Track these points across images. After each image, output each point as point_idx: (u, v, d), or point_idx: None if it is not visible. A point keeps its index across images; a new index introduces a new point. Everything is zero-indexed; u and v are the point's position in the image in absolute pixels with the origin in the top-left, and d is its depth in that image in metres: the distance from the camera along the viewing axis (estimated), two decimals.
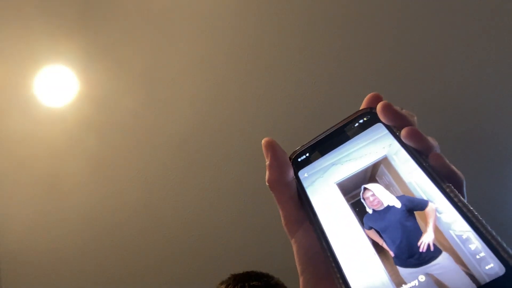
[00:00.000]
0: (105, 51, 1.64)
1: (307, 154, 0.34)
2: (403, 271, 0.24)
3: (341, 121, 0.34)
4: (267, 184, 0.34)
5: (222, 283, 1.03)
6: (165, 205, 1.98)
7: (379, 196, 0.29)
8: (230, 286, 0.99)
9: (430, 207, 0.26)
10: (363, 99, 0.35)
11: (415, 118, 0.32)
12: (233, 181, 1.94)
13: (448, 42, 1.65)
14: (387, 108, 0.31)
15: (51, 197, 1.90)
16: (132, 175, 1.90)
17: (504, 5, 1.57)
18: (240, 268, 1.10)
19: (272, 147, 0.34)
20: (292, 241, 0.33)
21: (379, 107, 0.31)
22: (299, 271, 0.32)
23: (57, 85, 1.66)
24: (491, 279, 0.21)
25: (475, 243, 0.23)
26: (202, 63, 1.69)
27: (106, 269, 2.10)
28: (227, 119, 1.81)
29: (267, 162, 0.34)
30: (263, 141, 0.34)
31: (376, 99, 0.34)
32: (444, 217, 0.24)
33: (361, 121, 0.33)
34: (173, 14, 1.60)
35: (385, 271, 0.25)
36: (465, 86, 1.74)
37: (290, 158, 0.35)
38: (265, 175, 0.34)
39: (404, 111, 0.31)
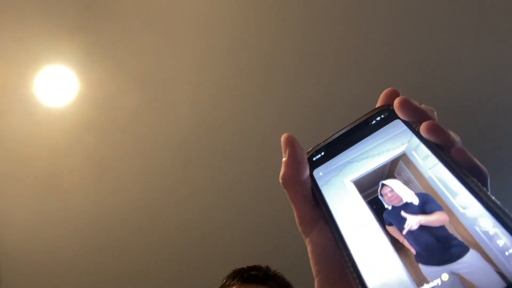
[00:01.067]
0: (105, 51, 1.64)
1: (323, 153, 0.33)
2: (425, 269, 0.23)
3: (357, 119, 0.33)
4: (280, 181, 0.32)
5: (224, 278, 1.07)
6: (165, 204, 1.98)
7: (398, 191, 0.28)
8: (230, 278, 1.03)
9: (439, 215, 0.25)
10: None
11: (435, 112, 0.30)
12: (233, 181, 1.94)
13: (450, 42, 1.65)
14: (405, 104, 0.30)
15: (51, 197, 1.90)
16: (132, 175, 1.90)
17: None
18: (240, 267, 1.11)
19: (292, 143, 0.32)
20: (307, 241, 0.32)
21: (396, 102, 0.30)
22: (314, 272, 0.31)
23: (57, 85, 1.66)
24: None
25: (503, 239, 0.21)
26: (202, 63, 1.69)
27: (106, 269, 2.09)
28: (227, 119, 1.81)
29: (284, 159, 0.32)
30: (282, 137, 0.33)
31: (393, 94, 0.32)
32: (468, 213, 0.23)
33: (378, 118, 0.32)
34: (173, 14, 1.60)
35: (405, 269, 0.24)
36: (467, 86, 1.74)
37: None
38: (279, 172, 0.33)
39: (423, 106, 0.30)
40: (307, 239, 0.32)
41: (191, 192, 1.96)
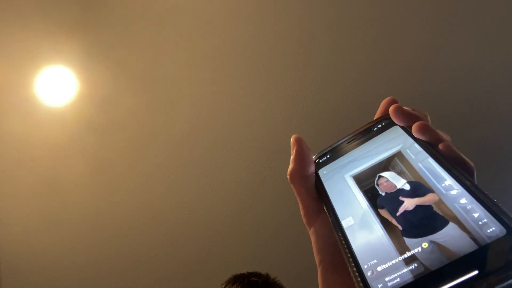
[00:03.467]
0: (105, 51, 1.64)
1: (328, 156, 0.38)
2: (409, 241, 0.27)
3: (361, 127, 0.38)
4: (288, 176, 0.36)
5: (223, 283, 1.06)
6: (164, 204, 1.98)
7: (392, 180, 0.32)
8: (230, 283, 1.03)
9: (431, 196, 0.29)
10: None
11: (427, 115, 0.34)
12: (233, 181, 1.94)
13: (446, 45, 1.66)
14: (397, 110, 0.34)
15: (51, 197, 1.90)
16: (131, 175, 1.90)
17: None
18: (239, 267, 1.11)
19: (298, 142, 0.37)
20: (310, 232, 0.35)
21: (390, 110, 0.34)
22: (317, 261, 0.34)
23: (57, 85, 1.66)
24: (492, 240, 0.23)
25: (478, 212, 0.25)
26: (202, 63, 1.70)
27: (105, 268, 2.10)
28: (227, 119, 1.81)
29: (292, 156, 0.37)
30: (292, 137, 0.37)
31: (391, 103, 0.36)
32: (451, 194, 0.27)
33: (379, 126, 0.36)
34: (173, 14, 1.60)
35: (391, 243, 0.27)
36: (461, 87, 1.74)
37: (313, 159, 0.38)
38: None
39: (413, 111, 0.34)
40: (311, 229, 0.35)
41: (191, 191, 1.96)
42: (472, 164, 0.30)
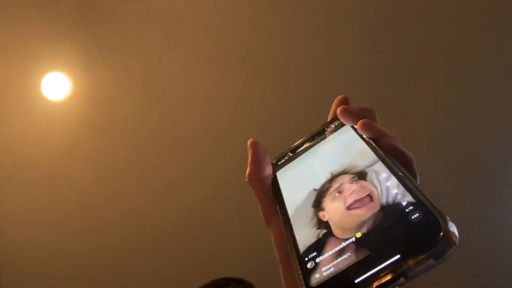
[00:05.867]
0: (104, 52, 1.64)
1: (285, 158, 0.41)
2: (345, 232, 0.29)
3: (316, 129, 0.41)
4: (246, 179, 0.38)
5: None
6: (164, 204, 1.98)
7: (340, 179, 0.34)
8: None
9: (369, 188, 0.31)
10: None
11: (373, 111, 0.36)
12: (233, 181, 1.94)
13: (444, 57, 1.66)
14: (343, 111, 0.36)
15: (51, 197, 1.90)
16: (132, 175, 1.90)
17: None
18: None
19: (254, 146, 0.39)
20: (270, 232, 0.37)
21: (337, 112, 0.37)
22: (278, 259, 0.35)
23: (56, 85, 1.66)
24: (414, 224, 0.26)
25: (406, 200, 0.27)
26: (201, 63, 1.70)
27: (105, 268, 2.10)
28: (227, 119, 1.81)
29: (249, 159, 0.38)
30: (248, 141, 0.39)
31: (340, 102, 0.39)
32: (385, 185, 0.30)
33: (332, 126, 0.39)
34: (172, 15, 1.60)
35: (330, 236, 0.30)
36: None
37: (272, 162, 0.40)
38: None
39: (358, 110, 0.36)
40: (270, 229, 0.37)
41: (191, 191, 1.96)
42: (410, 155, 0.32)
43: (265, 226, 0.38)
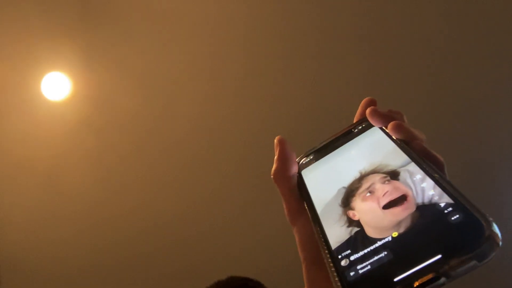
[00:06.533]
0: (104, 52, 1.64)
1: (311, 157, 0.40)
2: (380, 231, 0.29)
3: (342, 129, 0.40)
4: (271, 176, 0.38)
5: None
6: (164, 204, 1.98)
7: (371, 179, 0.34)
8: None
9: (404, 189, 0.31)
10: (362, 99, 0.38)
11: (402, 114, 0.36)
12: (233, 181, 1.94)
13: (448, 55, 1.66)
14: (373, 113, 0.36)
15: (51, 197, 1.90)
16: (131, 174, 1.90)
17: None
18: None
19: (281, 144, 0.39)
20: (294, 230, 0.37)
21: (367, 113, 0.37)
22: (301, 258, 0.35)
23: (56, 85, 1.66)
24: (455, 225, 0.25)
25: (444, 201, 0.27)
26: (201, 63, 1.70)
27: (105, 268, 2.10)
28: (227, 119, 1.81)
29: (275, 157, 0.38)
30: (275, 139, 0.39)
31: (368, 104, 0.39)
32: (420, 186, 0.29)
33: (359, 127, 0.39)
34: (172, 14, 1.60)
35: (364, 234, 0.30)
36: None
37: (297, 160, 0.40)
38: (268, 174, 0.38)
39: (388, 112, 0.36)
40: (295, 228, 0.37)
41: (191, 191, 1.96)
42: (442, 159, 0.32)
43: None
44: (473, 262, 0.23)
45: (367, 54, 1.68)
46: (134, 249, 2.06)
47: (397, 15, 1.62)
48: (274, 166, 0.38)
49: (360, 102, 0.40)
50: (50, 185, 1.88)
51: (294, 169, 0.39)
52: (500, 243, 0.24)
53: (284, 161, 0.38)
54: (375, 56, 1.68)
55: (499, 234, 0.24)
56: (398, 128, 0.34)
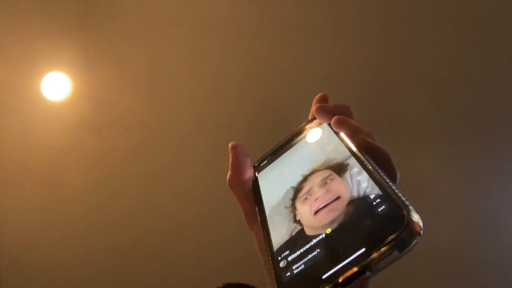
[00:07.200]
0: (105, 52, 1.64)
1: (266, 160, 0.41)
2: (316, 230, 0.29)
3: (295, 129, 0.41)
4: (227, 183, 0.38)
5: None
6: (165, 204, 1.98)
7: (314, 178, 0.34)
8: None
9: (341, 186, 0.31)
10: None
11: (349, 108, 0.36)
12: None
13: (444, 42, 1.66)
14: (318, 110, 0.36)
15: (51, 197, 1.90)
16: (132, 175, 1.90)
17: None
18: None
19: (234, 149, 0.39)
20: (253, 234, 0.37)
21: (313, 110, 0.37)
22: (262, 262, 0.35)
23: (57, 85, 1.66)
24: (380, 217, 0.26)
25: (374, 193, 0.28)
26: (201, 62, 1.70)
27: (105, 269, 2.10)
28: (227, 119, 1.81)
29: (229, 163, 0.38)
30: (229, 145, 0.39)
31: (318, 100, 0.39)
32: (356, 179, 0.30)
33: (310, 125, 0.40)
34: (172, 14, 1.60)
35: (302, 234, 0.30)
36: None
37: (254, 164, 0.41)
38: None
39: (334, 107, 0.37)
40: (253, 231, 0.37)
41: (191, 191, 1.96)
42: (386, 151, 0.32)
43: None
44: (394, 253, 0.23)
45: (368, 54, 1.68)
46: (134, 249, 2.06)
47: (398, 16, 1.62)
48: (228, 173, 0.38)
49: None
50: (50, 185, 1.88)
51: (249, 173, 0.39)
52: (421, 231, 0.24)
53: (237, 166, 0.38)
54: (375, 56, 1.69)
55: (420, 223, 0.24)
56: (340, 123, 0.34)
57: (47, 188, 1.88)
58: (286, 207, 0.33)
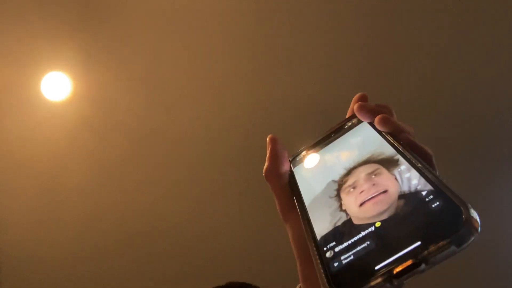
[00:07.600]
0: (105, 52, 1.64)
1: (303, 154, 0.41)
2: (364, 222, 0.30)
3: (333, 126, 0.41)
4: (263, 174, 0.38)
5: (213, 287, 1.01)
6: (165, 204, 1.98)
7: (358, 173, 0.35)
8: None
9: (389, 181, 0.31)
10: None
11: (390, 108, 0.37)
12: (233, 181, 1.94)
13: (449, 42, 1.66)
14: (359, 108, 0.37)
15: (51, 197, 1.90)
16: (132, 175, 1.90)
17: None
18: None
19: (273, 142, 0.39)
20: (287, 227, 0.37)
21: (354, 109, 0.37)
22: (295, 255, 0.36)
23: (57, 85, 1.66)
24: (435, 213, 0.26)
25: (426, 189, 0.28)
26: (201, 63, 1.70)
27: (105, 269, 2.10)
28: (227, 119, 1.81)
29: (267, 155, 0.39)
30: (267, 137, 0.39)
31: (358, 99, 0.39)
32: (405, 176, 0.30)
33: (349, 123, 0.40)
34: (172, 14, 1.60)
35: (350, 226, 0.30)
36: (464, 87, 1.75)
37: (289, 159, 0.40)
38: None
39: (375, 106, 0.37)
40: (287, 225, 0.37)
41: (191, 192, 1.96)
42: (429, 151, 0.33)
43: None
44: (452, 248, 0.24)
45: (365, 53, 1.68)
46: (135, 249, 2.06)
47: (398, 16, 1.62)
48: (266, 164, 0.38)
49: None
50: (50, 185, 1.88)
51: (286, 167, 0.39)
52: (479, 228, 0.24)
53: (275, 159, 0.38)
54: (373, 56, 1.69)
55: (478, 220, 0.24)
56: (384, 122, 0.34)
57: (47, 188, 1.88)
58: (330, 197, 0.34)
